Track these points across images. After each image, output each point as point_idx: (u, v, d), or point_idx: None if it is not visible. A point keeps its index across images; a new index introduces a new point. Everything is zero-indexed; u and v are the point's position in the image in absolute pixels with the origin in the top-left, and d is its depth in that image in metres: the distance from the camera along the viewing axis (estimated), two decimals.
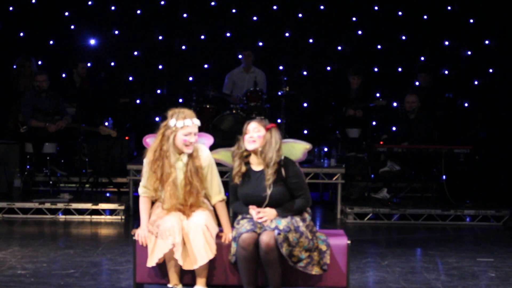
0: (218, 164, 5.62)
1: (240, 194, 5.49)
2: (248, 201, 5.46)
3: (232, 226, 5.53)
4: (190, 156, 5.43)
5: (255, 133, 5.40)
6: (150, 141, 5.63)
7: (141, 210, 5.53)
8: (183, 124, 5.38)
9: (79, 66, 10.98)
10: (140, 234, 5.40)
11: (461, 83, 11.84)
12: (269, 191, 5.39)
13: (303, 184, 5.49)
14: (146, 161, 5.54)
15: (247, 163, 5.50)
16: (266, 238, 5.23)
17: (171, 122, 5.42)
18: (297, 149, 5.64)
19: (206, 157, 5.49)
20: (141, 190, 5.56)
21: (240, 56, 11.55)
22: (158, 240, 5.29)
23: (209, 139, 5.71)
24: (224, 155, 5.70)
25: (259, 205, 5.42)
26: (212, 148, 5.68)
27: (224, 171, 6.75)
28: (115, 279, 6.23)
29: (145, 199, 5.54)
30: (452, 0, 11.87)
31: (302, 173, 5.56)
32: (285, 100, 10.92)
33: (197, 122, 5.43)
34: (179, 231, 5.27)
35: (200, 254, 5.27)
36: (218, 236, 5.46)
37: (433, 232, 8.75)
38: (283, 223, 5.27)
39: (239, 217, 5.56)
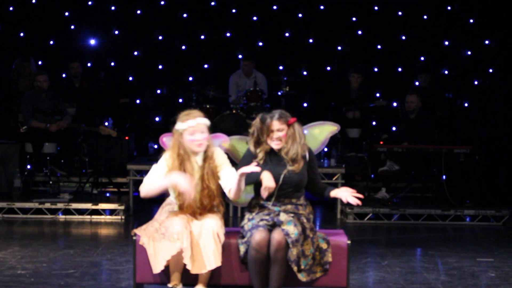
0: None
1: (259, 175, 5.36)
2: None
3: (235, 226, 5.53)
4: (206, 158, 5.42)
5: (280, 133, 5.33)
6: (167, 140, 5.63)
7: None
8: (186, 126, 5.36)
9: (70, 67, 10.99)
10: None
11: (461, 83, 11.84)
12: (285, 171, 5.32)
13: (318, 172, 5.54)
14: (168, 166, 5.41)
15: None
16: (278, 237, 5.18)
17: (177, 126, 5.42)
18: (321, 134, 5.63)
19: (222, 158, 5.47)
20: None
21: (240, 59, 11.54)
22: (165, 242, 5.22)
23: (225, 140, 5.73)
24: (235, 144, 5.68)
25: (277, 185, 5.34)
26: None
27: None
28: (115, 279, 6.23)
29: None
30: (452, 0, 11.87)
31: None
32: (285, 100, 10.93)
33: (201, 121, 5.38)
34: (187, 236, 5.23)
35: (209, 259, 5.23)
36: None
37: (433, 232, 8.75)
38: (294, 228, 5.21)
39: (247, 214, 5.50)
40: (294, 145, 5.35)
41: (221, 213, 5.52)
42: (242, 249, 5.32)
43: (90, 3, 11.96)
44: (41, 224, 8.91)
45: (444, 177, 9.51)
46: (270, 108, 10.61)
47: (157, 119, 11.91)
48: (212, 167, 5.41)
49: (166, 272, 5.36)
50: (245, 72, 11.38)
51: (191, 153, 5.40)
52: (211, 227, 5.30)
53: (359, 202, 5.29)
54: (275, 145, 5.35)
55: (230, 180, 5.36)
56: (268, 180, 5.20)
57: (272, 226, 5.27)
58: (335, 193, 5.42)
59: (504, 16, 11.43)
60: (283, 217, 5.30)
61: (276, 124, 5.33)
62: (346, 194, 5.32)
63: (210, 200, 5.41)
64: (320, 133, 5.68)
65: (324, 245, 5.40)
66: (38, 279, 6.17)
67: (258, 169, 5.15)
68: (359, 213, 9.29)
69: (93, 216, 9.20)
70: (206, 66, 12.08)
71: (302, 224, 5.29)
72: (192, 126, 5.36)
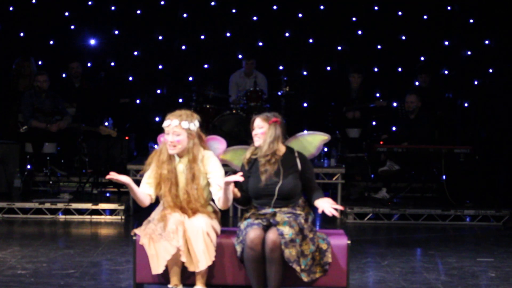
0: (224, 165, 5.56)
1: (250, 186, 5.42)
2: (258, 193, 5.40)
3: (235, 226, 5.52)
4: (188, 161, 5.38)
5: (259, 130, 5.42)
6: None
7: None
8: (164, 125, 5.39)
9: (70, 67, 10.99)
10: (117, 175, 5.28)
11: (461, 83, 11.85)
12: (279, 184, 5.36)
13: (314, 178, 5.56)
14: (149, 164, 5.54)
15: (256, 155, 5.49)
16: (273, 236, 5.19)
17: None
18: (313, 142, 5.65)
19: (214, 164, 5.40)
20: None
21: (242, 61, 11.53)
22: (164, 243, 5.21)
23: (222, 144, 5.65)
24: (232, 155, 5.68)
25: (269, 197, 5.38)
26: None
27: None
28: (115, 279, 6.23)
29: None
30: (452, 0, 11.87)
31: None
32: (285, 100, 10.93)
33: (174, 123, 5.34)
34: (182, 234, 5.23)
35: (201, 259, 5.23)
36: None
37: (433, 232, 8.75)
38: (289, 229, 5.21)
39: (244, 214, 5.49)
40: (265, 143, 5.38)
41: (216, 212, 5.51)
42: (239, 248, 5.33)
43: (90, 3, 11.96)
44: (41, 224, 8.91)
45: (444, 177, 9.51)
46: (270, 108, 10.62)
47: (157, 119, 11.90)
48: (194, 171, 5.35)
49: (165, 272, 5.35)
50: (246, 72, 11.37)
51: (164, 150, 5.40)
52: (201, 226, 5.27)
53: (335, 214, 5.30)
54: (255, 142, 5.44)
55: (219, 188, 5.33)
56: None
57: (268, 226, 5.28)
58: (316, 203, 5.45)
59: (504, 16, 11.44)
60: (279, 217, 5.31)
61: (257, 121, 5.45)
62: (325, 206, 5.34)
63: (188, 204, 5.35)
64: (313, 140, 5.71)
65: (324, 246, 5.39)
66: (38, 279, 6.17)
67: (241, 178, 5.17)
68: (359, 213, 9.29)
69: (93, 216, 9.20)
70: (206, 66, 12.08)
71: (300, 224, 5.29)
72: (165, 126, 5.38)
